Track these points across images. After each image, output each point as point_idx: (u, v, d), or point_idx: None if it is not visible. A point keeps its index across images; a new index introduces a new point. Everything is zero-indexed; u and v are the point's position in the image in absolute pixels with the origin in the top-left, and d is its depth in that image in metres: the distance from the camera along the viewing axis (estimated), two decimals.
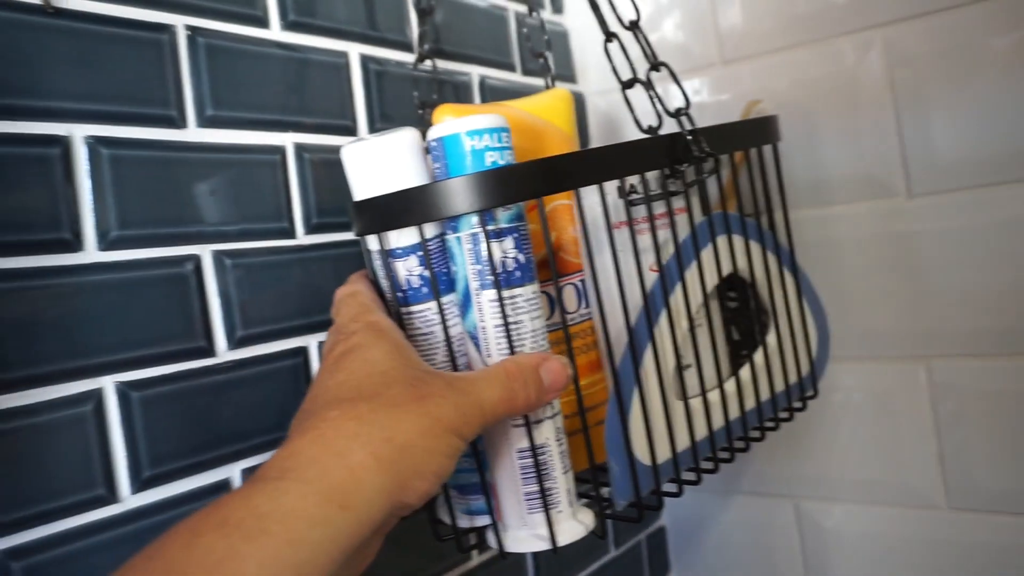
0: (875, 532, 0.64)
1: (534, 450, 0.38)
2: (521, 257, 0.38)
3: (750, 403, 0.48)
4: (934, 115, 0.57)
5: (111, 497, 0.37)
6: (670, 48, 0.68)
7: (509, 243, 0.38)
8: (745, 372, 0.48)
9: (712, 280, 0.46)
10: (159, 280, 0.40)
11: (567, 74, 0.71)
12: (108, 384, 0.37)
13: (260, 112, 0.45)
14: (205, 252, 0.42)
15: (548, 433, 0.39)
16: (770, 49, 0.63)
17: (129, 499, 0.38)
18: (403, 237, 0.39)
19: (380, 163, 0.39)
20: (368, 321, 0.37)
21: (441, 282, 0.39)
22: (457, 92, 0.59)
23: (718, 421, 0.46)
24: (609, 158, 0.39)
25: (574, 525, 0.39)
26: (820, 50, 0.61)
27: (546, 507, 0.38)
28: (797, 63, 0.62)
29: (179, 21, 0.42)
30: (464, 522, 0.42)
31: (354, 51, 0.51)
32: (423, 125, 0.50)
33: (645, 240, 0.43)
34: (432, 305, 0.39)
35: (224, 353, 0.42)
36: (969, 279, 0.57)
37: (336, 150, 0.49)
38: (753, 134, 0.49)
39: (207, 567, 0.26)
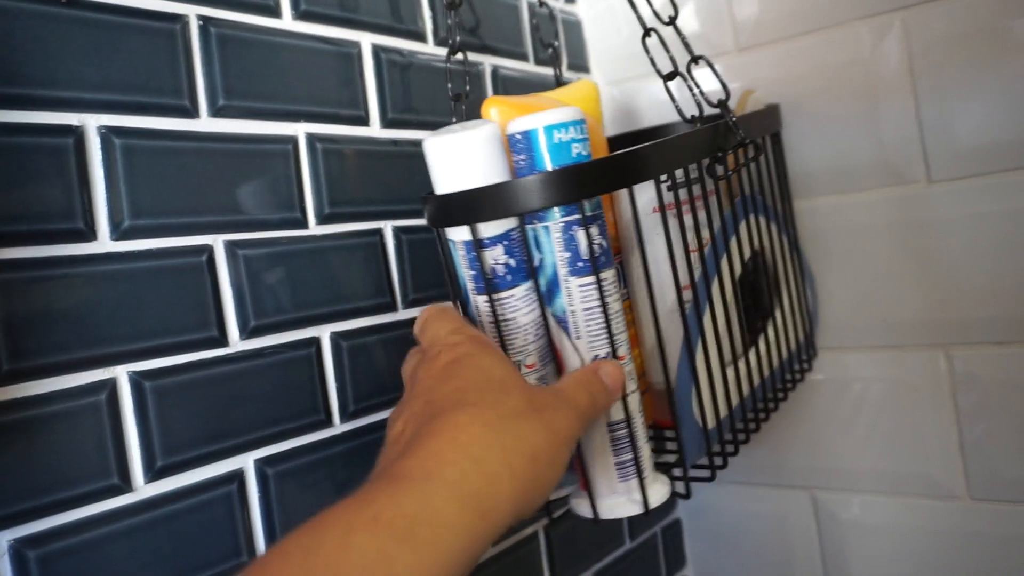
0: (894, 523, 0.63)
1: (629, 422, 0.41)
2: (604, 243, 0.41)
3: (775, 363, 0.53)
4: (954, 100, 0.56)
5: (125, 486, 0.37)
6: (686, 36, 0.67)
7: (595, 230, 0.40)
8: (765, 340, 0.53)
9: (747, 256, 0.49)
10: (172, 270, 0.40)
11: (581, 64, 0.71)
12: (122, 374, 0.38)
13: (272, 102, 0.45)
14: (218, 242, 0.42)
15: (634, 406, 0.42)
16: (786, 36, 0.62)
17: (143, 488, 0.38)
18: (490, 228, 0.40)
19: (464, 156, 0.40)
20: (470, 334, 0.38)
21: (525, 270, 0.41)
22: (471, 82, 0.59)
23: (752, 383, 0.50)
24: (678, 147, 0.42)
25: (660, 488, 0.43)
26: (837, 36, 0.60)
27: (639, 473, 0.42)
28: (813, 49, 0.61)
29: (191, 11, 0.42)
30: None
31: (366, 40, 0.51)
32: (456, 117, 0.50)
33: (678, 224, 0.46)
34: (516, 291, 0.41)
35: (237, 343, 0.42)
36: (989, 266, 0.56)
37: (347, 140, 0.49)
38: (769, 121, 0.53)
39: (362, 567, 0.26)
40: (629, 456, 0.42)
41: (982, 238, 0.56)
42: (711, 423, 0.45)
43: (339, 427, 0.47)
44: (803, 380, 0.56)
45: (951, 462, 0.60)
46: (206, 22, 0.43)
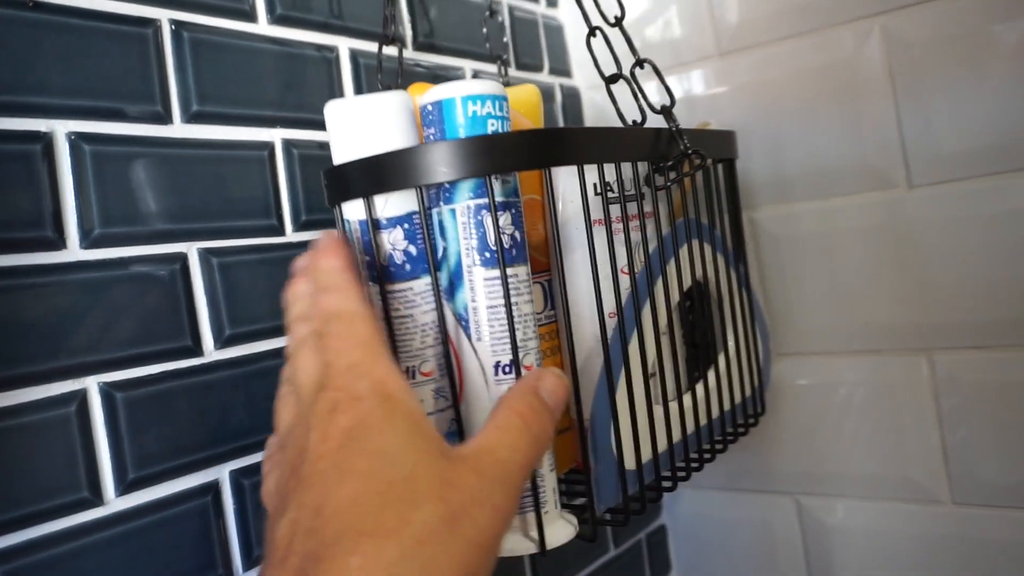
0: (878, 528, 0.63)
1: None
2: (517, 235, 0.37)
3: (714, 413, 0.49)
4: (934, 104, 0.56)
5: (96, 500, 0.36)
6: (666, 41, 0.67)
7: (507, 219, 0.36)
8: (710, 379, 0.49)
9: (686, 283, 0.45)
10: (143, 278, 0.39)
11: (562, 68, 0.71)
12: (92, 385, 0.37)
13: (248, 107, 0.45)
14: (192, 250, 0.41)
15: None
16: (767, 40, 0.62)
17: (114, 502, 0.37)
18: (389, 207, 0.37)
19: (368, 123, 0.36)
20: (377, 380, 0.29)
21: (425, 259, 0.37)
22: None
23: (684, 428, 0.46)
24: (608, 138, 0.39)
25: (563, 526, 0.38)
26: (818, 40, 0.60)
27: (536, 507, 0.37)
28: (794, 53, 0.61)
29: (164, 15, 0.42)
30: None
31: (343, 45, 0.51)
32: None
33: (615, 239, 0.41)
34: (415, 284, 0.37)
35: (211, 352, 0.41)
36: (971, 270, 0.56)
37: (326, 146, 0.48)
38: (723, 145, 0.50)
39: None
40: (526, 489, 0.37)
41: (963, 243, 0.56)
42: (630, 464, 0.41)
43: None
44: (747, 433, 0.52)
45: (934, 466, 0.60)
46: (179, 26, 0.42)
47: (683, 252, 0.46)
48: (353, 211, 0.38)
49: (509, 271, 0.36)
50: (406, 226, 0.37)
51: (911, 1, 0.56)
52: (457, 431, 0.38)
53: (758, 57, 0.63)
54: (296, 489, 0.28)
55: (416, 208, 0.37)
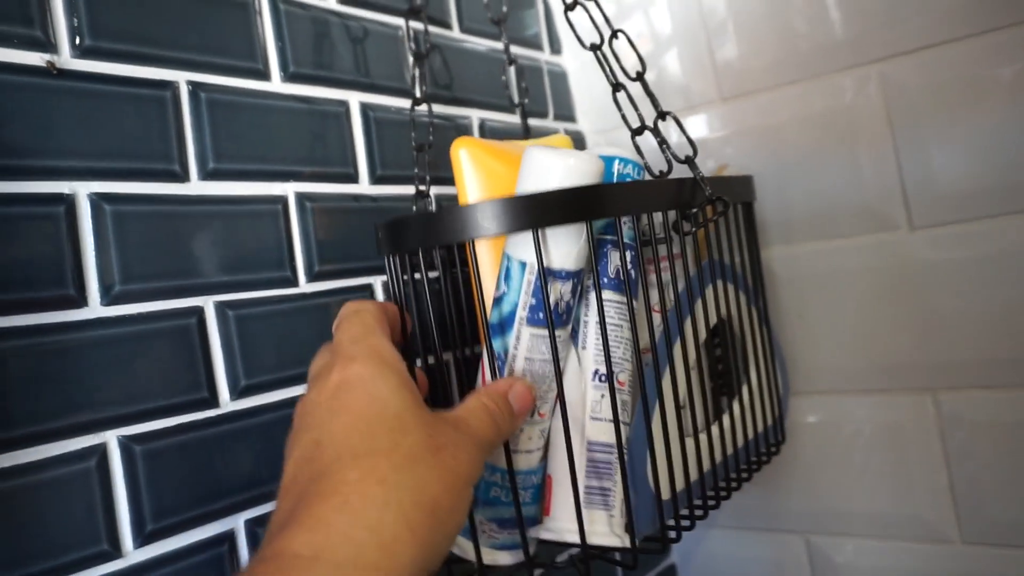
0: (887, 567, 0.63)
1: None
2: (632, 272, 0.42)
3: (739, 443, 0.51)
4: (933, 148, 0.57)
5: (115, 552, 0.37)
6: (669, 87, 0.68)
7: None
8: (735, 411, 0.51)
9: (712, 320, 0.47)
10: (162, 333, 0.40)
11: (567, 114, 0.72)
12: (112, 438, 0.38)
13: (262, 163, 0.46)
14: (208, 303, 0.42)
15: (614, 435, 0.41)
16: (768, 86, 0.64)
17: (132, 554, 0.38)
18: (569, 259, 0.40)
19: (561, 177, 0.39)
20: (370, 345, 0.34)
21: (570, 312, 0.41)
22: (459, 134, 0.60)
23: (713, 458, 0.48)
24: (641, 191, 0.41)
25: (613, 536, 0.41)
26: (817, 86, 0.62)
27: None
28: (795, 100, 0.63)
29: (181, 77, 0.43)
30: (487, 558, 0.42)
31: (354, 99, 0.52)
32: (419, 167, 0.51)
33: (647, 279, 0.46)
34: (562, 333, 0.41)
35: (227, 404, 0.42)
36: (974, 310, 0.57)
37: (338, 198, 0.50)
38: (742, 189, 0.52)
39: None
40: (596, 483, 0.41)
41: (965, 283, 0.57)
42: (665, 494, 0.43)
43: None
44: (769, 462, 0.54)
45: (942, 505, 0.60)
46: (196, 87, 0.44)
47: (708, 291, 0.48)
48: (531, 254, 0.39)
49: (619, 297, 0.41)
50: (575, 280, 0.41)
51: (907, 48, 0.58)
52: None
53: (759, 103, 0.64)
54: (298, 434, 0.32)
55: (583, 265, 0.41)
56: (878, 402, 0.62)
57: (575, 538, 0.40)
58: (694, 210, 0.43)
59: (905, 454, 0.61)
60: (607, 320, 0.41)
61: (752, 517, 0.69)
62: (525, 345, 0.40)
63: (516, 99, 0.63)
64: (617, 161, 0.43)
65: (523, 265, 0.39)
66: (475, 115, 0.62)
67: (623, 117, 0.47)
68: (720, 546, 0.71)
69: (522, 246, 0.39)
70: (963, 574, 0.59)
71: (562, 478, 0.41)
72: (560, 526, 0.41)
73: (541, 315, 0.39)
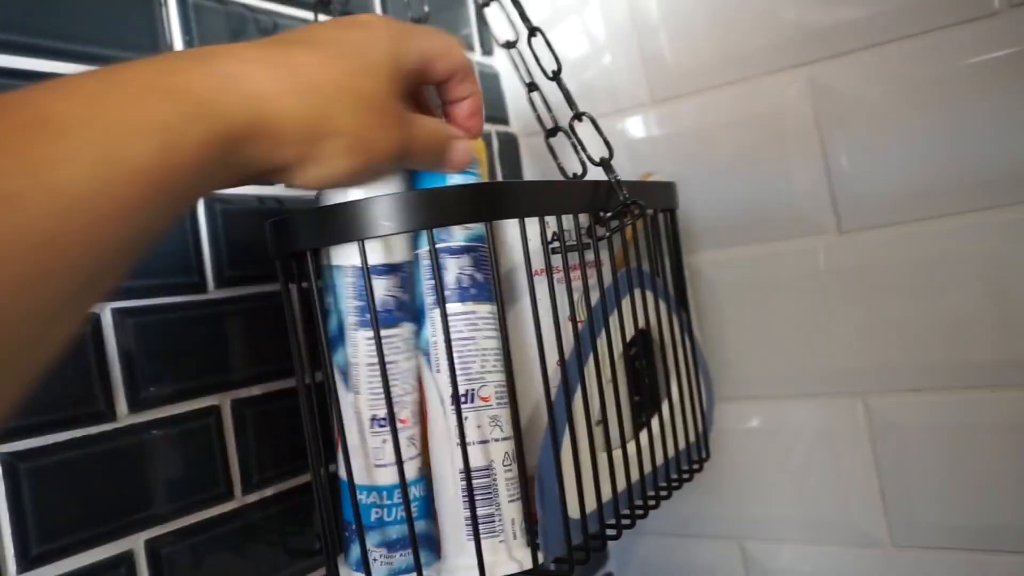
0: (822, 572, 0.63)
1: (489, 471, 0.38)
2: (478, 276, 0.39)
3: (658, 459, 0.48)
4: (861, 152, 0.57)
5: None
6: (600, 90, 0.67)
7: (467, 261, 0.38)
8: (655, 426, 0.48)
9: (629, 332, 0.45)
10: None
11: (499, 116, 0.71)
12: None
13: None
14: (104, 310, 0.40)
15: (494, 455, 0.38)
16: (699, 88, 0.63)
17: None
18: (384, 253, 0.38)
19: None
20: (387, 20, 0.36)
21: (411, 308, 0.39)
22: None
23: (628, 476, 0.45)
24: (551, 192, 0.40)
25: (507, 560, 0.38)
26: (748, 88, 0.61)
27: (476, 535, 0.37)
28: (726, 102, 0.62)
29: (78, 71, 0.41)
30: None
31: None
32: None
33: (557, 289, 0.42)
34: (401, 331, 0.39)
35: (125, 417, 0.40)
36: (903, 314, 0.57)
37: (253, 199, 0.48)
38: (663, 196, 0.51)
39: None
40: (476, 512, 0.38)
41: (894, 287, 0.57)
42: (574, 512, 0.40)
43: (242, 499, 0.44)
44: (691, 480, 0.51)
45: (873, 509, 0.60)
46: None
47: (626, 301, 0.46)
48: (346, 257, 0.38)
49: (467, 307, 0.38)
50: (400, 274, 0.39)
51: (837, 51, 0.58)
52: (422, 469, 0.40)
53: (690, 105, 0.64)
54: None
55: (407, 258, 0.39)
56: (812, 407, 0.62)
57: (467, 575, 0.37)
58: (609, 215, 0.42)
59: (837, 459, 0.61)
60: (454, 334, 0.38)
61: (688, 524, 0.68)
62: (363, 351, 0.38)
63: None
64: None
65: (339, 270, 0.38)
66: None
67: (537, 118, 0.46)
68: (657, 553, 0.70)
69: (335, 252, 0.38)
70: None
71: (442, 513, 0.39)
72: (452, 564, 0.39)
73: (368, 316, 0.37)
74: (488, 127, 0.69)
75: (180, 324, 0.43)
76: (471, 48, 0.69)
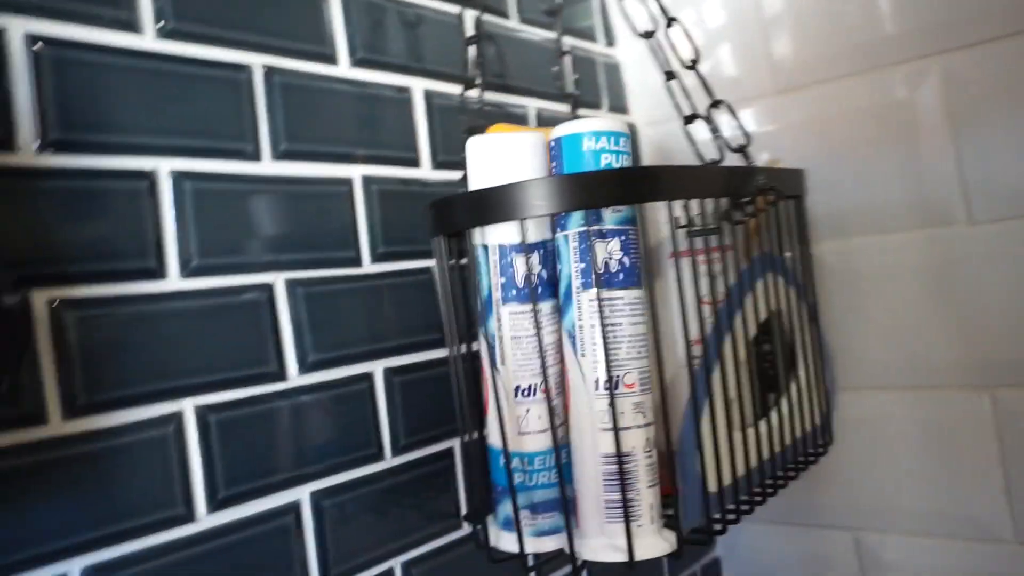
0: (938, 565, 0.62)
1: (621, 458, 0.39)
2: (627, 260, 0.39)
3: (787, 440, 0.49)
4: (994, 142, 0.57)
5: (188, 516, 0.38)
6: (722, 78, 0.68)
7: (615, 245, 0.39)
8: (783, 408, 0.49)
9: (762, 314, 0.47)
10: (235, 307, 0.41)
11: (620, 105, 0.72)
12: (188, 407, 0.39)
13: (330, 145, 0.47)
14: (279, 280, 0.43)
15: (636, 442, 0.39)
16: (824, 79, 0.64)
17: (205, 519, 0.39)
18: (529, 232, 0.40)
19: (502, 159, 0.40)
20: None
21: (552, 285, 0.41)
22: (509, 121, 0.61)
23: (760, 453, 0.47)
24: (692, 176, 0.40)
25: (656, 541, 0.39)
26: (875, 78, 0.61)
27: (626, 519, 0.39)
28: (851, 92, 0.62)
29: (256, 60, 0.44)
30: (531, 546, 0.42)
31: (417, 86, 0.53)
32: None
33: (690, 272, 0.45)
34: (544, 307, 0.41)
35: (295, 378, 0.44)
36: None
37: (400, 181, 0.51)
38: (793, 182, 0.51)
39: None
40: (618, 497, 0.39)
41: None
42: (712, 487, 0.42)
43: (390, 461, 0.48)
44: (816, 462, 0.52)
45: (997, 504, 0.59)
46: (270, 71, 0.45)
47: (759, 285, 0.47)
48: (492, 235, 0.41)
49: (615, 293, 0.39)
50: (540, 251, 0.41)
51: (969, 41, 0.57)
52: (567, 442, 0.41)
53: (814, 95, 0.64)
54: None
55: (547, 236, 0.41)
56: (932, 398, 0.61)
57: (610, 556, 0.39)
58: (746, 199, 0.43)
59: (960, 452, 0.61)
60: (592, 320, 0.39)
61: (799, 512, 0.68)
62: (508, 324, 0.40)
63: (567, 89, 0.63)
64: (587, 137, 0.39)
65: (485, 248, 0.41)
66: (532, 104, 0.62)
67: (675, 105, 0.47)
68: (766, 541, 0.71)
69: (484, 232, 0.40)
70: (1015, 574, 0.59)
71: (581, 492, 0.41)
72: (594, 544, 0.40)
73: (513, 292, 0.40)
74: (610, 116, 0.71)
75: (339, 296, 0.46)
76: (594, 39, 0.71)
